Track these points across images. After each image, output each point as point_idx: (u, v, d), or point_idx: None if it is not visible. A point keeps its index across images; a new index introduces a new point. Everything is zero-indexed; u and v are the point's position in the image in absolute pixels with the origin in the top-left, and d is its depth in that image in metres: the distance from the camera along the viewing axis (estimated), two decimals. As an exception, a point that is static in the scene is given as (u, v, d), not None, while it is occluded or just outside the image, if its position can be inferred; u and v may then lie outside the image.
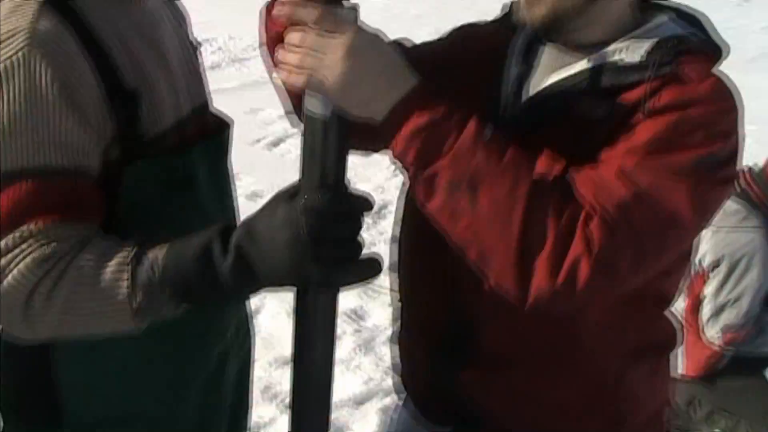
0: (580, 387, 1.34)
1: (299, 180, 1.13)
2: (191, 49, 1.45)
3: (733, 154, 1.19)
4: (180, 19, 1.47)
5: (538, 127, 1.25)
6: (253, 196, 4.71)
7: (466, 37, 1.45)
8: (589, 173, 1.15)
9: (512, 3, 1.33)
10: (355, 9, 1.11)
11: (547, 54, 1.30)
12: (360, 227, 1.11)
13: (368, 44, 1.09)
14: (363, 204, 1.12)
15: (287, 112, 1.41)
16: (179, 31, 1.43)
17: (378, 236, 4.48)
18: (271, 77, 1.26)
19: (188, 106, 1.35)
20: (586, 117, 1.20)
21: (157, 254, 1.14)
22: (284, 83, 1.12)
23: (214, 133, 1.41)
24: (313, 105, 1.10)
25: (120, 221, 1.22)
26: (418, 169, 1.11)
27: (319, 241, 1.07)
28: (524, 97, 1.30)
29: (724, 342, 3.05)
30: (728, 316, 3.03)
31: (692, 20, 1.29)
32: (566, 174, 1.16)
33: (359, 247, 1.11)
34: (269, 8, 1.30)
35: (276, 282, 1.13)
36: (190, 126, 1.34)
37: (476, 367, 1.35)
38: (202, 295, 1.15)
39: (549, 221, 1.10)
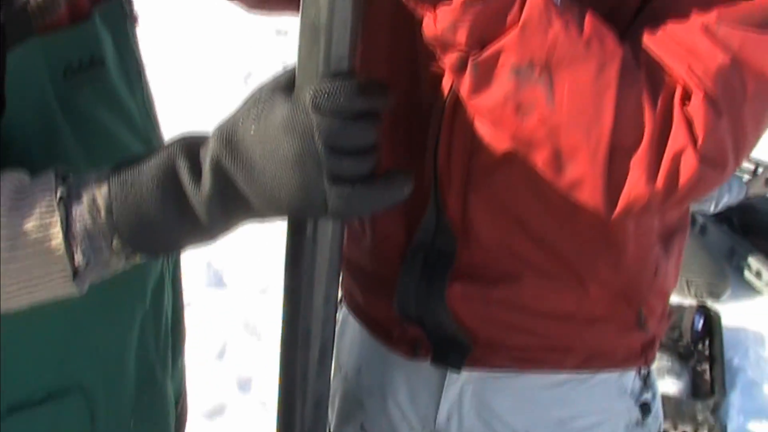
0: (602, 293, 1.10)
1: (296, 66, 0.78)
2: None
3: None
4: None
5: None
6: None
7: None
8: (670, 37, 0.86)
9: None
10: None
11: None
12: (379, 129, 0.79)
13: None
14: (382, 94, 0.80)
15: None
16: None
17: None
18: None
19: None
20: None
21: (94, 189, 0.79)
22: None
23: None
24: None
25: (10, 142, 0.85)
26: (471, 50, 0.79)
27: (337, 152, 0.75)
28: None
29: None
30: None
31: None
32: (635, 42, 0.87)
33: (378, 159, 0.79)
34: None
35: (272, 213, 0.80)
36: None
37: (468, 282, 1.09)
38: (165, 239, 0.81)
39: (644, 108, 0.82)
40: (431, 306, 1.09)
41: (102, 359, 1.07)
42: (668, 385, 2.57)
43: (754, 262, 3.19)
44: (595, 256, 1.05)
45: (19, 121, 0.87)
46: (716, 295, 3.07)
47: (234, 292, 3.04)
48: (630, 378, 1.19)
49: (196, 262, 3.09)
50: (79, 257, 0.79)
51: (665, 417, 2.47)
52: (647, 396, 1.22)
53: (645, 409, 1.21)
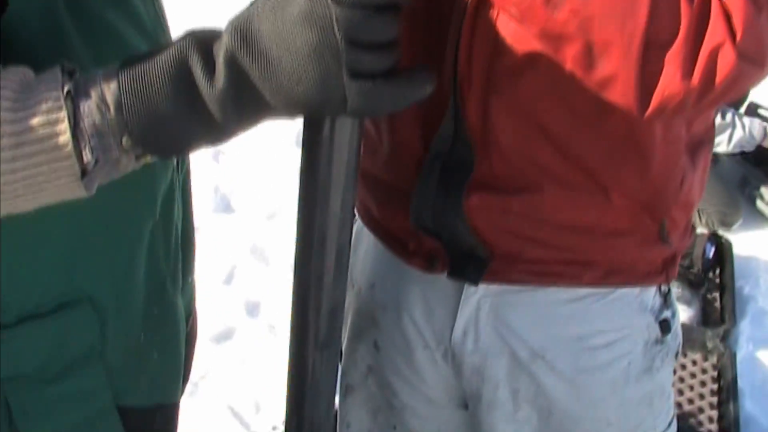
0: (625, 204, 1.06)
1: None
2: None
3: None
4: None
5: None
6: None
7: None
8: None
9: None
10: None
11: None
12: (398, 22, 0.75)
13: None
14: None
15: None
16: None
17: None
18: None
19: None
20: None
21: (103, 85, 0.75)
22: None
23: None
24: None
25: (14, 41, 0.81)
26: None
27: (357, 45, 0.71)
28: None
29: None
30: None
31: None
32: None
33: (398, 53, 0.75)
34: None
35: (288, 110, 0.76)
36: None
37: (486, 193, 1.05)
38: (177, 138, 0.78)
39: (681, 0, 0.77)
40: (448, 217, 1.05)
41: (111, 270, 1.04)
42: (678, 313, 2.56)
43: (766, 191, 3.16)
44: (621, 164, 1.02)
45: (23, 18, 0.83)
46: (728, 225, 3.04)
47: (242, 217, 3.02)
48: (650, 295, 1.17)
49: (203, 188, 3.07)
50: (87, 155, 0.75)
51: (675, 344, 2.47)
52: (667, 314, 1.20)
53: (665, 326, 1.19)
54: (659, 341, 1.19)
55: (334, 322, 0.95)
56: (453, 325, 1.15)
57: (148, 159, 0.80)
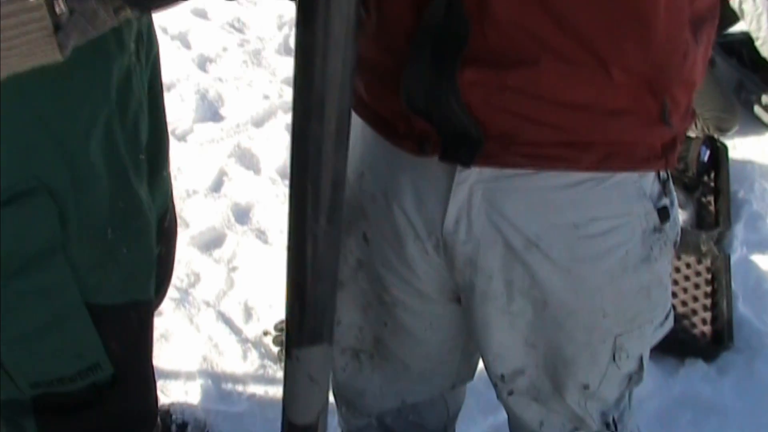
0: (626, 79, 1.01)
1: None
2: None
3: None
4: None
5: None
6: None
7: None
8: None
9: None
10: None
11: None
12: None
13: None
14: None
15: None
16: None
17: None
18: None
19: None
20: None
21: None
22: None
23: None
24: None
25: None
26: None
27: None
28: None
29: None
30: None
31: None
32: None
33: None
34: None
35: None
36: None
37: (481, 67, 0.99)
38: None
39: None
40: (441, 95, 1.00)
41: (66, 157, 0.99)
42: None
43: (763, 96, 3.11)
44: (623, 36, 0.96)
45: None
46: (725, 130, 3.00)
47: (230, 124, 2.96)
48: (649, 181, 1.12)
49: (190, 96, 3.01)
50: (61, 5, 0.70)
51: (669, 247, 2.45)
52: (666, 201, 1.16)
53: (663, 214, 1.15)
54: (657, 229, 1.15)
55: (336, 194, 0.90)
56: (444, 214, 1.11)
57: (128, 13, 0.74)
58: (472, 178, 1.07)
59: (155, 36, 1.28)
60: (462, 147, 1.03)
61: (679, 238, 1.24)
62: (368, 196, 1.19)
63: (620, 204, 1.11)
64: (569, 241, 1.11)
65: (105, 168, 1.08)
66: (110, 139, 1.07)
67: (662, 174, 1.15)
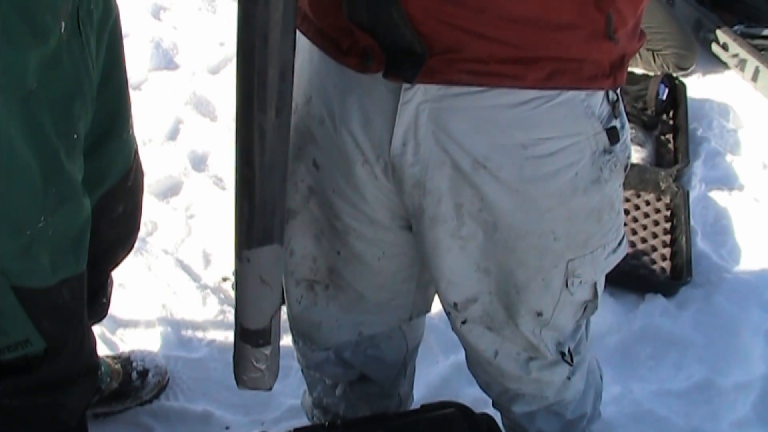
0: None
1: None
2: None
3: None
4: None
5: None
6: None
7: None
8: None
9: None
10: None
11: None
12: None
13: None
14: None
15: None
16: None
17: None
18: None
19: None
20: None
21: None
22: None
23: None
24: None
25: None
26: None
27: None
28: None
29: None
30: None
31: None
32: None
33: None
34: None
35: None
36: None
37: None
38: None
39: None
40: (383, 6, 0.97)
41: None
42: (632, 154, 2.54)
43: (721, 34, 3.11)
44: None
45: None
46: (684, 67, 3.00)
47: (185, 72, 2.91)
48: (597, 100, 1.11)
49: (144, 45, 2.95)
50: None
51: (628, 185, 2.45)
52: (615, 123, 1.14)
53: (613, 135, 1.14)
54: (607, 151, 1.15)
55: (284, 85, 0.88)
56: (392, 135, 1.10)
57: None
58: (417, 98, 1.06)
59: (113, 1, 1.25)
60: (406, 62, 1.01)
61: (629, 162, 1.23)
62: (317, 120, 1.17)
63: (568, 124, 1.09)
64: (518, 161, 1.09)
65: (33, 154, 1.06)
66: (33, 124, 1.04)
67: (611, 95, 1.13)
